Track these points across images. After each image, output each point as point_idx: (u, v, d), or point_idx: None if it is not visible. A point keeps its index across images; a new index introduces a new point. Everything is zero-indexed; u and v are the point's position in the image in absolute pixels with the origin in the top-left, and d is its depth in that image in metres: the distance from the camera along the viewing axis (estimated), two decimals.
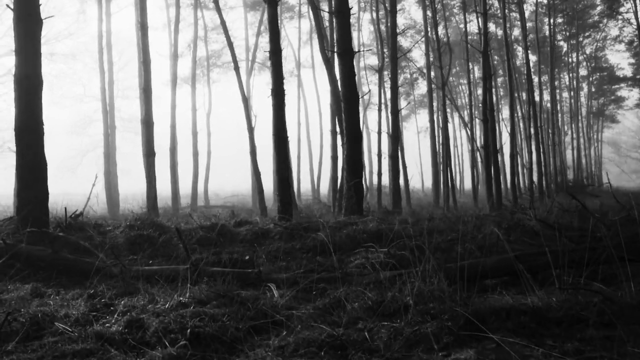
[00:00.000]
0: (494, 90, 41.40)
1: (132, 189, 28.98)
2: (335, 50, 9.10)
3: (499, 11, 27.81)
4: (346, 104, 8.79)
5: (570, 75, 39.37)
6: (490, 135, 18.71)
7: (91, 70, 38.37)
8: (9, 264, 5.01)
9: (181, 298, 3.04)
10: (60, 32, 24.79)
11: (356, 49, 34.01)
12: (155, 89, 16.85)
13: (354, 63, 32.82)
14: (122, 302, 3.17)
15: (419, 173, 39.65)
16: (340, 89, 8.99)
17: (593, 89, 43.99)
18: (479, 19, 27.22)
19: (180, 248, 6.12)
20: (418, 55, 48.45)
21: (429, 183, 45.91)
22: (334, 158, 16.23)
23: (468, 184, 42.77)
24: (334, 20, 17.51)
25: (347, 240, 6.57)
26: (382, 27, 22.75)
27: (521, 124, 34.08)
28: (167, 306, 2.92)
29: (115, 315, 2.84)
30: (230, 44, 13.26)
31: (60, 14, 23.53)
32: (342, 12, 9.00)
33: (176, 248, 6.10)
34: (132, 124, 35.88)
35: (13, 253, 5.07)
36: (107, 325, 2.72)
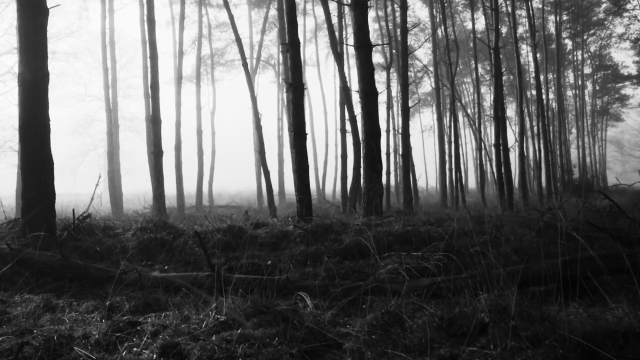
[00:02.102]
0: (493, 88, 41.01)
1: (133, 189, 28.56)
2: (353, 44, 8.71)
3: (504, 8, 27.42)
4: (364, 99, 8.39)
5: (575, 73, 39.03)
6: (502, 134, 18.36)
7: (92, 69, 38.08)
8: (15, 270, 4.62)
9: (218, 316, 2.63)
10: (62, 30, 24.38)
11: None
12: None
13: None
14: (150, 320, 2.76)
15: (423, 172, 39.30)
16: (358, 84, 8.59)
17: (597, 87, 43.67)
18: (486, 16, 26.87)
19: (197, 252, 5.73)
20: (421, 54, 48.08)
21: (432, 182, 45.58)
22: (344, 157, 15.81)
23: (471, 184, 42.42)
24: (343, 15, 17.11)
25: (373, 243, 6.16)
26: (386, 25, 22.31)
27: (527, 123, 33.74)
28: (204, 326, 2.51)
29: (145, 338, 2.43)
30: (238, 39, 12.86)
31: (62, 11, 23.11)
32: (359, 4, 8.60)
33: (193, 252, 5.71)
34: (134, 123, 35.52)
35: (19, 259, 4.68)
36: (135, 350, 2.32)
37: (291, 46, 7.40)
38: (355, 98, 22.52)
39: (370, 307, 3.24)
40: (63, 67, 26.94)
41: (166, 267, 5.30)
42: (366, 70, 8.46)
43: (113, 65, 18.51)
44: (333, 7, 16.18)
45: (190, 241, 6.08)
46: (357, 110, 16.23)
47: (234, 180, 46.25)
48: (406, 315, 2.84)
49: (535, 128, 32.85)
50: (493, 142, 19.03)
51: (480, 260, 5.16)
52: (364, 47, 8.48)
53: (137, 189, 30.09)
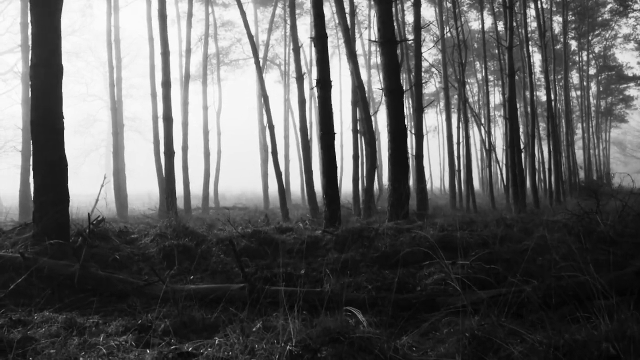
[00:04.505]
0: (498, 89, 40.77)
1: (134, 189, 28.09)
2: (377, 39, 8.30)
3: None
4: (390, 97, 7.98)
5: (581, 74, 38.72)
6: (515, 135, 17.98)
7: (93, 68, 37.63)
8: (29, 282, 4.20)
9: (291, 348, 2.21)
10: (64, 29, 23.82)
11: (366, 47, 33.22)
12: (158, 90, 16.00)
13: (363, 61, 31.55)
14: (205, 352, 2.32)
15: (428, 173, 38.90)
16: (382, 81, 8.18)
17: (601, 88, 43.34)
18: (494, 15, 26.52)
19: (224, 260, 5.33)
20: (425, 54, 47.78)
21: (437, 183, 45.11)
22: (355, 157, 15.37)
23: (475, 185, 41.91)
24: (355, 12, 16.69)
25: (409, 249, 5.73)
26: (396, 23, 21.90)
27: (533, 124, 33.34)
28: None
29: None
30: (250, 37, 12.43)
31: (65, 9, 22.62)
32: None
33: (219, 260, 5.29)
34: (135, 122, 35.12)
35: (34, 269, 4.25)
36: None
37: (318, 40, 6.99)
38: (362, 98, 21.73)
39: (446, 328, 2.81)
40: (65, 66, 26.43)
41: (192, 277, 4.88)
42: (391, 67, 8.05)
43: (118, 63, 18.08)
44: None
45: (214, 248, 5.67)
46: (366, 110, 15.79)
47: (236, 181, 45.80)
48: (499, 340, 2.43)
49: (541, 129, 32.46)
50: (503, 142, 18.67)
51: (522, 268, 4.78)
52: (388, 43, 8.07)
53: (137, 189, 29.63)
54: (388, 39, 8.04)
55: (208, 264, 5.16)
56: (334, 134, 6.95)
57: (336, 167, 6.96)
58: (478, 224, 8.39)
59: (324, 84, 6.92)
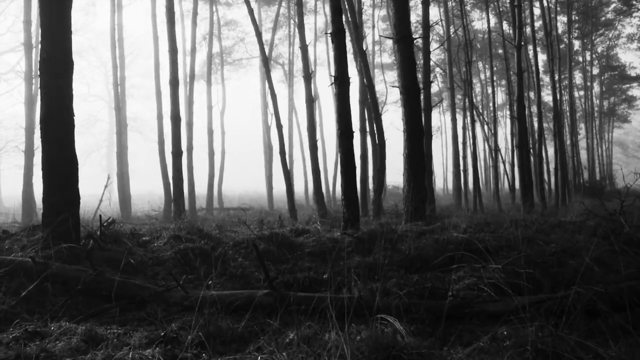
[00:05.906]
0: (501, 89, 40.50)
1: (137, 190, 27.86)
2: (393, 36, 8.07)
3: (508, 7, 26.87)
4: (406, 96, 7.75)
5: (585, 74, 38.49)
6: (524, 135, 17.79)
7: (95, 68, 37.40)
8: (41, 287, 3.98)
9: None
10: None
11: (370, 47, 32.98)
12: (163, 89, 15.77)
13: (370, 60, 31.45)
14: None
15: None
16: (398, 79, 7.95)
17: (604, 88, 43.13)
18: (499, 15, 26.31)
19: (243, 264, 5.09)
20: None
21: (439, 183, 44.87)
22: (364, 157, 15.16)
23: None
24: (362, 11, 16.46)
25: (434, 252, 5.50)
26: None
27: (535, 124, 33.14)
28: None
29: None
30: (258, 34, 12.20)
31: None
32: None
33: (237, 264, 5.06)
34: (137, 123, 34.86)
35: (48, 274, 4.03)
36: None
37: (336, 36, 6.76)
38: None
39: (475, 335, 2.57)
40: None
41: (210, 282, 4.64)
42: (407, 65, 7.82)
43: (121, 62, 17.82)
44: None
45: (230, 251, 5.44)
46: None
47: (238, 181, 45.49)
48: (568, 355, 2.20)
49: (543, 129, 32.21)
50: (505, 143, 18.46)
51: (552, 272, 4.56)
52: (404, 40, 7.83)
53: (139, 189, 29.37)
54: (403, 36, 7.81)
55: (226, 268, 4.93)
56: (353, 132, 6.72)
57: (355, 167, 6.73)
58: (494, 225, 8.16)
59: (342, 80, 6.69)
